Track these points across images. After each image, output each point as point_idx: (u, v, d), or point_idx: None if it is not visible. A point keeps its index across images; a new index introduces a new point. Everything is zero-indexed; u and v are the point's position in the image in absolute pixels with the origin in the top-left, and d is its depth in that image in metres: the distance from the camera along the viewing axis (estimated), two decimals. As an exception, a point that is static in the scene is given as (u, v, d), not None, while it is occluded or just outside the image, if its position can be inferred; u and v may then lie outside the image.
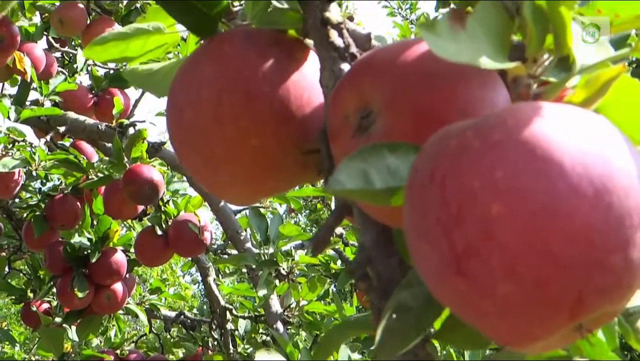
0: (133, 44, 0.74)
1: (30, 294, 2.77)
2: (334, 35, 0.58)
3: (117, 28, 2.11)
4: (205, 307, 3.13)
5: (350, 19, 0.63)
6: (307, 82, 0.62)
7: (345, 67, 0.59)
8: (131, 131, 2.34)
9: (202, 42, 0.70)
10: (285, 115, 0.61)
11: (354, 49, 0.58)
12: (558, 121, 0.38)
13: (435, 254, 0.39)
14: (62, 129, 2.42)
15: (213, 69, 0.63)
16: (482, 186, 0.37)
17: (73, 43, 3.23)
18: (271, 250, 2.07)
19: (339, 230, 2.43)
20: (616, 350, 0.47)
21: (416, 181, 0.41)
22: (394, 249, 0.54)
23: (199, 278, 2.76)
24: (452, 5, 0.49)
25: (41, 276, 2.75)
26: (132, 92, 2.82)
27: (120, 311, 2.68)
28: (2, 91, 2.62)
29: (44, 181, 2.65)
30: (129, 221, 2.71)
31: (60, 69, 2.81)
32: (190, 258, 2.82)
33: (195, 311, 3.51)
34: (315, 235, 0.60)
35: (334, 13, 0.60)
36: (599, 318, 0.40)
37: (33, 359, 3.01)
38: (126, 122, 2.35)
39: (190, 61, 0.66)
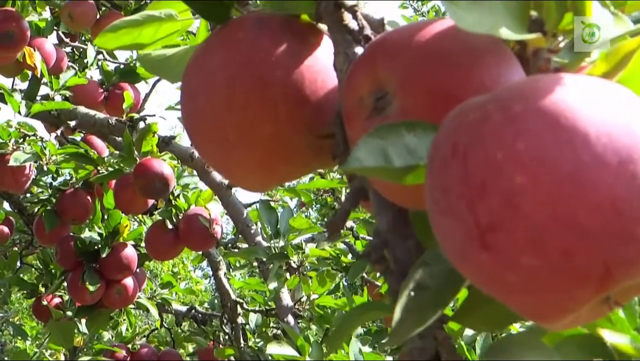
0: (145, 32, 0.74)
1: (42, 289, 2.78)
2: (347, 18, 0.58)
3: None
4: (216, 301, 3.13)
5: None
6: (320, 66, 0.62)
7: (359, 50, 0.58)
8: (141, 125, 2.34)
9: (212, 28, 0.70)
10: (299, 100, 0.61)
11: (368, 31, 0.58)
12: (581, 91, 0.38)
13: (459, 229, 0.39)
14: (72, 123, 2.42)
15: (226, 55, 0.62)
16: (505, 158, 0.37)
17: (83, 38, 3.23)
18: (282, 243, 2.07)
19: (349, 223, 2.42)
20: (638, 329, 0.47)
21: (437, 156, 0.41)
22: (410, 232, 0.54)
23: (210, 273, 2.76)
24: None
25: (52, 270, 2.76)
26: (142, 87, 2.83)
27: (132, 306, 2.68)
28: (12, 86, 2.63)
29: (55, 175, 2.66)
30: (140, 215, 2.71)
31: (70, 64, 2.81)
32: (200, 252, 2.82)
33: (206, 305, 3.51)
34: (331, 219, 0.59)
35: (347, -5, 0.59)
36: (627, 290, 0.39)
37: (45, 353, 3.02)
38: (136, 116, 2.36)
39: (203, 48, 0.65)
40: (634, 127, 0.37)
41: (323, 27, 0.64)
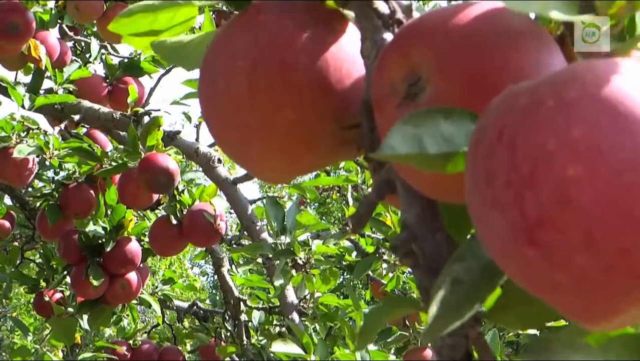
0: (161, 17, 0.72)
1: (43, 284, 2.76)
2: (377, 1, 0.56)
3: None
4: (217, 298, 3.11)
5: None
6: (346, 53, 0.60)
7: (388, 36, 0.56)
8: (146, 119, 2.33)
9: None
10: (324, 87, 0.59)
11: (400, 14, 0.55)
12: (638, 77, 0.36)
13: (503, 221, 0.36)
14: (76, 117, 2.40)
15: (248, 38, 0.60)
16: (558, 146, 0.34)
17: (86, 32, 3.21)
18: (288, 240, 2.05)
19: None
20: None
21: (481, 142, 0.38)
22: (439, 225, 0.52)
23: (208, 270, 2.75)
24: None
25: (54, 265, 2.74)
26: (147, 81, 2.81)
27: (134, 301, 2.67)
28: (16, 79, 2.61)
29: (58, 169, 2.64)
30: (143, 210, 2.70)
31: (74, 57, 2.79)
32: (204, 249, 2.80)
33: (207, 302, 3.50)
34: (356, 212, 0.57)
35: (377, -22, 0.57)
36: None
37: (43, 349, 3.00)
38: (141, 110, 2.34)
39: (224, 31, 0.63)
40: None
41: (348, 13, 0.62)
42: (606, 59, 0.38)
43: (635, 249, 0.33)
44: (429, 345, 2.19)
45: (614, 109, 0.34)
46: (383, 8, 0.55)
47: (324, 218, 7.27)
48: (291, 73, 0.58)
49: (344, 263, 2.56)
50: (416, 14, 0.62)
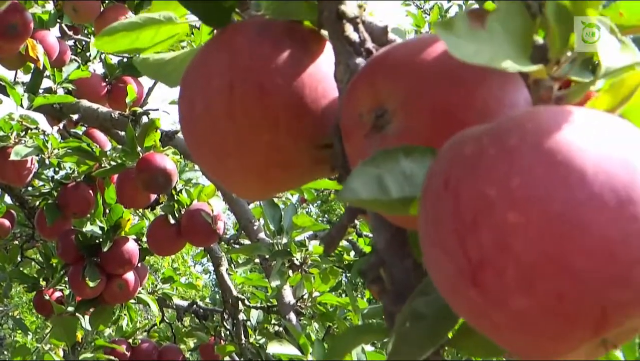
0: (143, 35, 0.72)
1: (43, 283, 2.77)
2: (349, 29, 0.56)
3: (130, 16, 2.10)
4: (217, 297, 3.12)
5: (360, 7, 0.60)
6: (322, 74, 0.60)
7: (361, 61, 0.57)
8: (144, 119, 2.33)
9: (214, 32, 0.68)
10: (299, 109, 0.59)
11: (369, 44, 0.56)
12: (581, 125, 0.36)
13: (450, 264, 0.37)
14: (75, 117, 2.41)
15: (225, 60, 0.61)
16: (497, 194, 0.35)
17: (86, 31, 3.22)
18: (285, 240, 2.06)
19: (352, 221, 2.41)
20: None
21: (430, 189, 0.39)
22: (408, 252, 0.52)
23: (211, 268, 2.76)
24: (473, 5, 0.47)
25: (54, 264, 2.75)
26: (146, 81, 2.81)
27: (132, 301, 2.68)
28: (15, 78, 2.61)
29: (57, 169, 2.65)
30: (141, 209, 2.70)
31: (73, 57, 2.80)
32: (202, 248, 2.81)
33: (207, 300, 3.50)
34: (328, 234, 0.58)
35: (349, 6, 0.58)
36: (626, 332, 0.37)
37: (44, 348, 3.01)
38: (139, 110, 2.34)
39: (202, 52, 0.64)
40: (635, 165, 0.35)
41: (325, 33, 0.63)
42: (552, 106, 0.38)
43: (570, 296, 0.34)
44: None
45: (551, 158, 0.35)
46: (354, 36, 0.56)
47: (326, 215, 7.25)
48: (268, 96, 0.59)
49: (344, 262, 2.57)
50: (392, 36, 0.63)
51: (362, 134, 0.50)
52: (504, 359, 0.49)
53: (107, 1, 2.63)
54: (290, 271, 2.14)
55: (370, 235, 2.61)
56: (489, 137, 0.37)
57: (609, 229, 0.34)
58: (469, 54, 0.38)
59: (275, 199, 2.48)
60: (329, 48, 0.63)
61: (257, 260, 2.40)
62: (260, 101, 0.59)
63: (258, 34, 0.62)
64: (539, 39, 0.44)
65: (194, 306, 3.07)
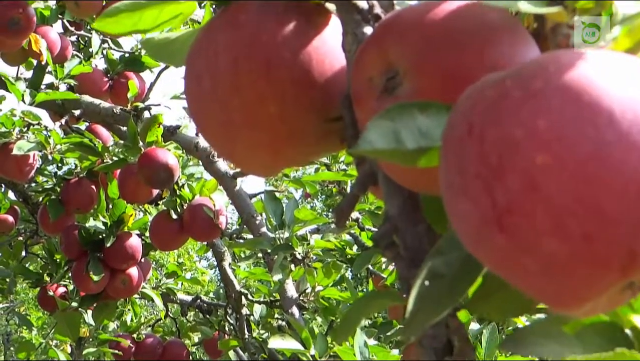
0: (146, 15, 0.71)
1: (47, 278, 2.77)
2: (357, -4, 0.56)
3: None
4: (221, 291, 3.12)
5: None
6: (328, 47, 0.60)
7: (368, 30, 0.57)
8: (146, 114, 2.33)
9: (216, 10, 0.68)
10: (307, 81, 0.59)
11: (378, 9, 0.56)
12: (604, 66, 0.36)
13: (475, 211, 0.37)
14: (77, 112, 2.41)
15: (230, 36, 0.61)
16: (524, 136, 0.35)
17: (88, 27, 3.21)
18: (286, 234, 2.06)
19: (354, 215, 2.41)
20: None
21: (452, 136, 0.39)
22: (421, 217, 0.52)
23: (216, 263, 2.75)
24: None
25: (57, 260, 2.75)
26: (148, 76, 2.81)
27: (136, 296, 2.68)
28: (17, 74, 2.61)
29: (60, 164, 2.65)
30: (144, 205, 2.70)
31: (75, 52, 2.80)
32: (205, 243, 2.81)
33: (212, 295, 3.50)
34: (338, 205, 0.58)
35: (356, -27, 0.58)
36: None
37: (50, 343, 3.01)
38: (141, 105, 2.34)
39: (206, 30, 0.64)
40: None
41: (330, 6, 0.63)
42: (573, 50, 0.38)
43: (599, 237, 0.34)
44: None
45: (578, 99, 0.35)
46: (362, 3, 0.56)
47: (331, 210, 7.24)
48: (274, 70, 0.59)
49: (347, 256, 2.56)
50: (397, 7, 0.62)
51: (374, 98, 0.50)
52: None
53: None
54: (292, 265, 2.14)
55: (373, 229, 2.61)
56: (512, 80, 0.37)
57: (638, 169, 0.34)
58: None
59: (278, 194, 2.48)
60: (334, 22, 0.63)
61: (260, 254, 2.40)
62: (266, 74, 0.59)
63: (261, 8, 0.62)
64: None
65: (198, 301, 3.07)
